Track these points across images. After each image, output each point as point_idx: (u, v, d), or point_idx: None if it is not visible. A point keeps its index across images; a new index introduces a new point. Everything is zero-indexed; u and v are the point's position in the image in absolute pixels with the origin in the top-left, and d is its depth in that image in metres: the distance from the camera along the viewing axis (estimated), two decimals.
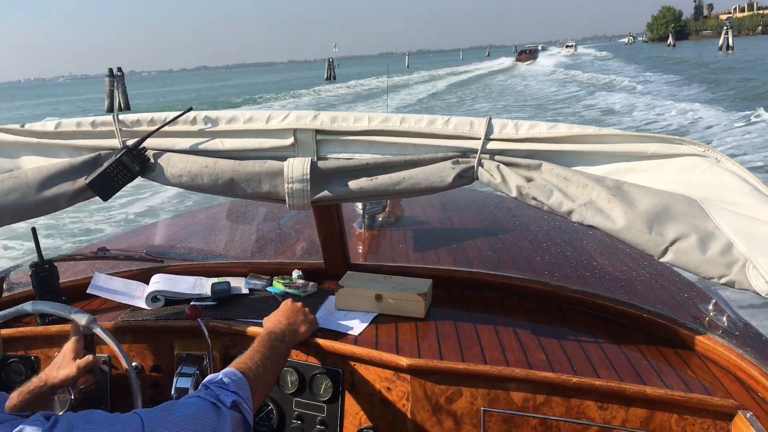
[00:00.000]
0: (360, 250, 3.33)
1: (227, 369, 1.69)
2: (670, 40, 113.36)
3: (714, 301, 2.39)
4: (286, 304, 2.15)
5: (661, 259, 1.66)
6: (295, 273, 2.60)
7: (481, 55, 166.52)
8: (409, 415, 1.95)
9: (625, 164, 1.74)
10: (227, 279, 2.57)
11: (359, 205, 3.64)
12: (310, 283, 2.54)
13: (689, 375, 1.92)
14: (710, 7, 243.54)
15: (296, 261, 2.85)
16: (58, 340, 2.30)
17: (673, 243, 1.65)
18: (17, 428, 1.26)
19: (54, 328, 2.30)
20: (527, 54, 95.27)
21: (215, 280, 2.56)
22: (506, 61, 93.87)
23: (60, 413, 2.05)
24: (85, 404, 2.17)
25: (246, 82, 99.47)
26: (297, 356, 2.13)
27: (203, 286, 2.54)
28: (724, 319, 2.24)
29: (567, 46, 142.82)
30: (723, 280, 1.63)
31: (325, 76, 73.62)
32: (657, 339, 2.14)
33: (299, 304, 2.16)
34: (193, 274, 2.64)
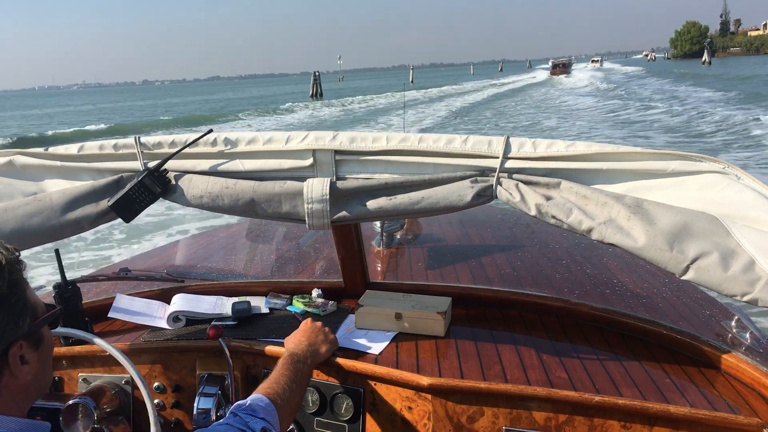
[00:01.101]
0: (379, 269, 3.34)
1: (254, 395, 1.70)
2: (706, 57, 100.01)
3: (737, 317, 2.36)
4: (306, 323, 2.16)
5: (683, 277, 1.65)
6: (315, 292, 2.61)
7: (493, 70, 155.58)
8: None
9: (644, 182, 1.74)
10: (247, 298, 2.58)
11: (377, 223, 3.65)
12: (330, 302, 2.55)
13: (713, 393, 1.90)
14: (738, 22, 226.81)
15: (316, 280, 2.85)
16: (81, 361, 2.32)
17: (694, 261, 1.64)
18: None
19: (77, 349, 2.31)
20: (561, 68, 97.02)
21: (235, 299, 2.57)
22: (541, 75, 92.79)
23: None
24: (108, 424, 2.19)
25: (214, 98, 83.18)
26: (318, 376, 2.13)
27: (224, 305, 2.55)
28: (748, 336, 2.22)
29: (593, 61, 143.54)
30: (746, 298, 1.61)
31: (310, 93, 63.61)
32: (680, 357, 2.12)
33: (319, 323, 2.17)
34: (213, 293, 2.66)
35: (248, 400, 1.66)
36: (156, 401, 2.19)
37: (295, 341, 2.05)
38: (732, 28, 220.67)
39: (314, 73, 65.32)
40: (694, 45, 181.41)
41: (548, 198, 1.77)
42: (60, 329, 2.24)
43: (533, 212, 1.77)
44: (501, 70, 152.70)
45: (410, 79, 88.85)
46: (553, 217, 1.76)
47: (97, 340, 2.08)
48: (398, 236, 3.79)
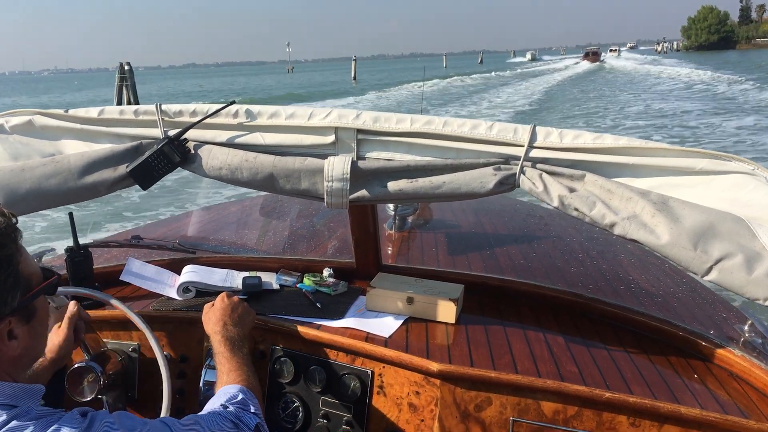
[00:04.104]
0: (390, 251, 3.32)
1: (239, 386, 1.71)
2: None
3: (750, 322, 2.33)
4: (224, 301, 2.09)
5: (705, 278, 1.63)
6: (326, 271, 2.60)
7: (472, 62, 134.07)
8: (436, 421, 1.93)
9: (671, 179, 1.71)
10: (258, 274, 2.57)
11: (391, 206, 3.63)
12: (341, 282, 2.53)
13: (724, 396, 1.88)
14: (761, 9, 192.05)
15: (327, 259, 2.84)
16: (89, 324, 2.32)
17: (718, 262, 1.61)
18: (52, 428, 1.25)
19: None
20: (593, 55, 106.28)
21: (246, 274, 2.56)
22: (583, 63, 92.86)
23: (89, 398, 2.08)
24: (114, 389, 2.19)
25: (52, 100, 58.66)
26: (326, 355, 2.12)
27: (234, 279, 2.54)
28: (761, 341, 2.19)
29: (611, 50, 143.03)
30: None
31: (115, 102, 35.45)
32: (691, 358, 2.10)
33: (235, 298, 2.12)
34: (224, 266, 2.65)
35: (239, 394, 1.67)
36: None
37: (218, 327, 2.00)
38: (754, 16, 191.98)
39: (121, 66, 37.93)
40: (711, 34, 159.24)
41: (572, 190, 1.75)
42: (75, 288, 2.24)
43: (556, 203, 1.75)
44: (481, 62, 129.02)
45: (352, 75, 68.78)
46: (576, 209, 1.74)
47: (113, 301, 2.09)
48: (410, 220, 3.77)
